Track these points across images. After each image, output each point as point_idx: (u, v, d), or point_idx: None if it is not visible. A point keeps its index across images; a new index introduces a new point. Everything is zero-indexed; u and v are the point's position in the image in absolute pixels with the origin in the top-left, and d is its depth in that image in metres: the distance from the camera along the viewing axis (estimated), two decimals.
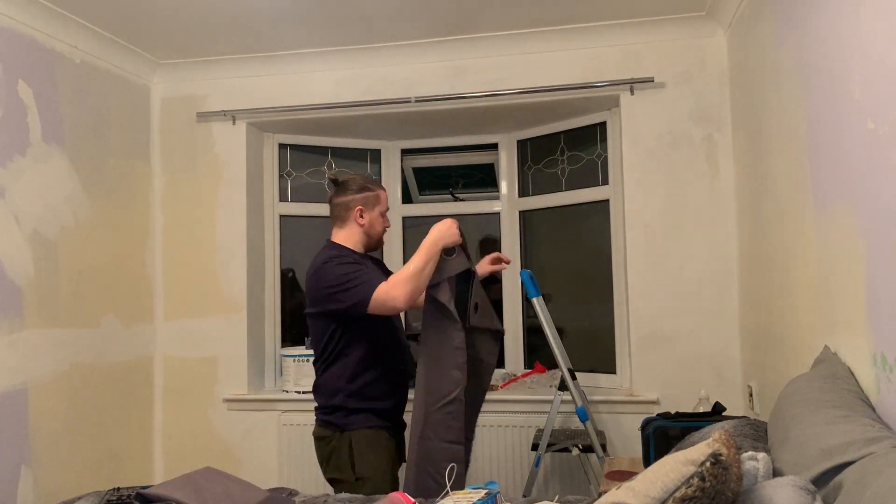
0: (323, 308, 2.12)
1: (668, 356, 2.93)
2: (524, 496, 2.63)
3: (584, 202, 3.33)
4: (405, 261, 3.68)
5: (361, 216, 2.24)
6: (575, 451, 2.64)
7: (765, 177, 2.37)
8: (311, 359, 3.21)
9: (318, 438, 2.21)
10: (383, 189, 2.32)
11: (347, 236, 2.24)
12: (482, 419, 3.06)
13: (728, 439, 1.15)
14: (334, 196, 2.28)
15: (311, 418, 3.17)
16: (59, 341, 2.74)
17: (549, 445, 2.68)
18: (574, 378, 2.67)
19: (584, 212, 3.36)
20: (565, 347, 2.75)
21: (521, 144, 3.58)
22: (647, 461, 2.13)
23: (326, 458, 2.18)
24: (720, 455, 1.10)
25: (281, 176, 3.59)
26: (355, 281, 2.05)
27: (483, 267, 2.43)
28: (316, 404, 2.24)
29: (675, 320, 2.92)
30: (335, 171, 2.22)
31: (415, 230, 3.73)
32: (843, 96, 1.60)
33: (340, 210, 2.25)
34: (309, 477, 3.18)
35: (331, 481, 2.19)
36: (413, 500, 1.63)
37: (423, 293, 2.10)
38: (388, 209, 2.34)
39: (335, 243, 2.24)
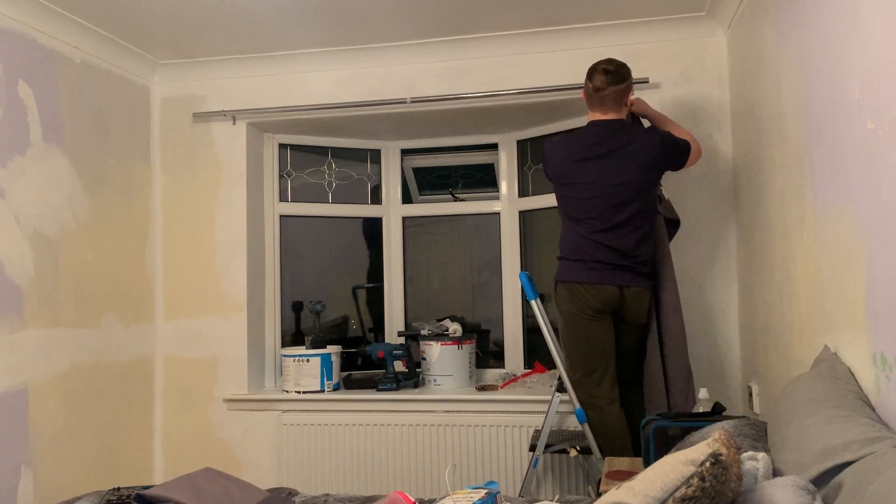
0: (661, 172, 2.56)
1: None
2: (521, 496, 2.63)
3: None
4: (405, 261, 3.68)
5: (628, 102, 2.58)
6: (573, 453, 2.64)
7: (765, 177, 2.37)
8: (308, 358, 3.24)
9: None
10: None
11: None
12: (482, 419, 3.07)
13: (728, 439, 1.15)
14: (611, 84, 2.50)
15: (311, 418, 3.21)
16: (59, 341, 2.74)
17: (546, 446, 2.68)
18: None
19: None
20: None
21: (521, 144, 3.58)
22: (647, 461, 2.13)
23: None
24: (720, 455, 1.10)
25: (281, 176, 3.59)
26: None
27: None
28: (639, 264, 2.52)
29: None
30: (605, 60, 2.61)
31: (415, 230, 3.74)
32: (843, 96, 1.60)
33: (621, 95, 2.53)
34: (309, 477, 3.19)
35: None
36: (413, 499, 1.63)
37: None
38: None
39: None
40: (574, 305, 2.49)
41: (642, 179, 2.47)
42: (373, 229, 3.73)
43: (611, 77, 2.49)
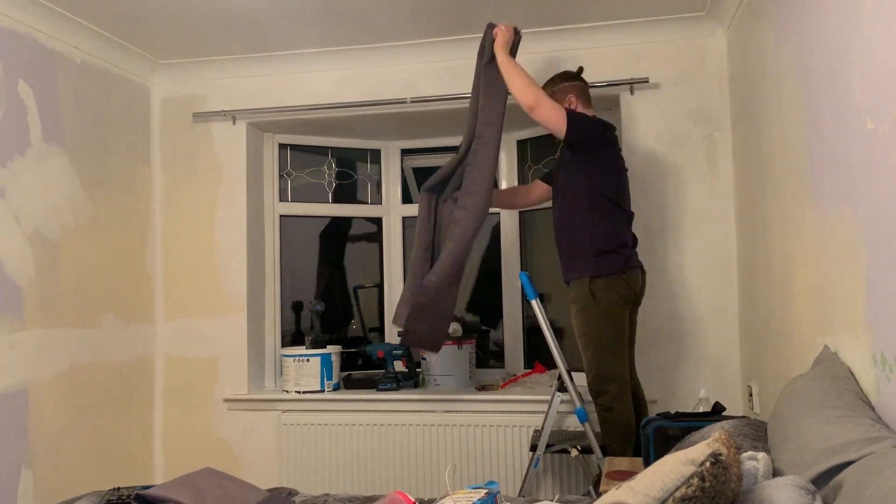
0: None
1: (667, 356, 2.93)
2: (521, 496, 2.63)
3: None
4: (405, 261, 3.68)
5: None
6: (574, 452, 2.64)
7: (765, 177, 2.37)
8: (308, 358, 3.24)
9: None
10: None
11: None
12: (482, 419, 3.07)
13: (728, 439, 1.15)
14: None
15: (311, 418, 3.21)
16: (59, 341, 2.74)
17: (547, 446, 2.68)
18: (573, 379, 2.66)
19: None
20: (564, 348, 2.75)
21: (521, 144, 3.57)
22: (647, 461, 2.13)
23: None
24: (720, 455, 1.10)
25: (281, 176, 3.59)
26: None
27: None
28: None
29: (674, 320, 2.92)
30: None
31: (414, 230, 3.73)
32: (843, 96, 1.60)
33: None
34: (309, 477, 3.19)
35: None
36: (413, 499, 1.63)
37: None
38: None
39: None
40: (615, 296, 2.46)
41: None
42: (340, 231, 3.75)
43: None
